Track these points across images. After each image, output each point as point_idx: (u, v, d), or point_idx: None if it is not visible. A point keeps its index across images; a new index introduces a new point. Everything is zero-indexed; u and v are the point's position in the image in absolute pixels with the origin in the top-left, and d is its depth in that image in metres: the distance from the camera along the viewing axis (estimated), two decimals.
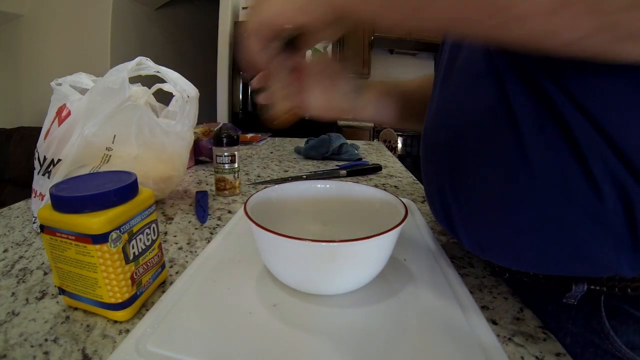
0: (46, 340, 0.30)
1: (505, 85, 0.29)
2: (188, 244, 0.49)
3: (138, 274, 0.34)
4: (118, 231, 0.31)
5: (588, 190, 0.26)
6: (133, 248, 0.33)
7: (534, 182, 0.28)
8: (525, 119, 0.28)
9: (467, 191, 0.35)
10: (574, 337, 0.34)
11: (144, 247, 0.34)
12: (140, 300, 0.34)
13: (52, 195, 0.30)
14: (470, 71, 0.34)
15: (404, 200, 0.49)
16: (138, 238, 0.33)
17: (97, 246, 0.30)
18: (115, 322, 0.32)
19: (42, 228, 0.31)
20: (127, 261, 0.32)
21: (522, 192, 0.29)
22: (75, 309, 0.34)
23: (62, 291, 0.34)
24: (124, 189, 0.32)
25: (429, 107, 0.43)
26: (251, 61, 0.35)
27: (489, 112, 0.31)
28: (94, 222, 0.29)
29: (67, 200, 0.30)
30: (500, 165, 0.31)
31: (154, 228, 0.36)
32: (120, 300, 0.32)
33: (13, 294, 0.36)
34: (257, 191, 0.41)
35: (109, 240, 0.30)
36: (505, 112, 0.29)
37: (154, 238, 0.36)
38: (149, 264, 0.35)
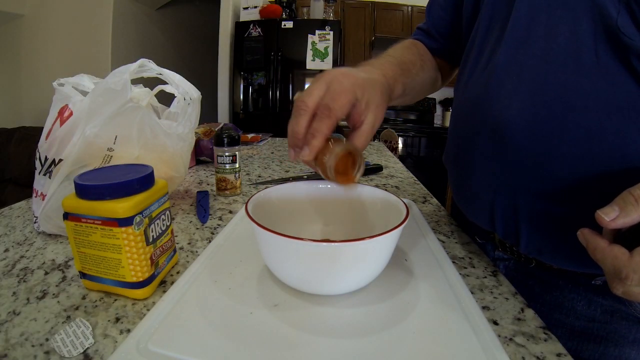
0: (47, 339, 0.30)
1: None
2: (189, 244, 0.49)
3: (156, 255, 0.37)
4: (141, 215, 0.34)
5: None
6: (152, 231, 0.36)
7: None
8: None
9: (556, 195, 0.36)
10: (603, 308, 0.40)
11: (160, 231, 0.38)
12: (157, 279, 0.38)
13: (78, 185, 0.33)
14: (585, 55, 0.32)
15: (405, 200, 0.49)
16: (156, 223, 0.37)
17: (123, 229, 0.33)
18: (117, 321, 0.32)
19: (66, 215, 0.34)
20: (148, 243, 0.36)
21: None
22: (77, 308, 0.34)
23: (82, 275, 0.37)
24: (144, 178, 0.36)
25: (486, 94, 0.40)
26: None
27: (617, 103, 0.31)
28: (120, 207, 0.33)
29: (94, 188, 0.33)
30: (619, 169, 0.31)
31: (168, 214, 0.40)
32: (141, 279, 0.35)
33: (14, 293, 0.37)
34: (258, 191, 0.41)
35: (134, 223, 0.33)
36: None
37: (167, 224, 0.40)
38: (164, 247, 0.39)
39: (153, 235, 0.37)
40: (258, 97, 2.68)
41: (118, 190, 0.33)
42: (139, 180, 0.35)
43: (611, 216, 0.25)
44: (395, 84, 0.46)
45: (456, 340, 0.29)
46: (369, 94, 0.38)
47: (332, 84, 0.36)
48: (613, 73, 0.31)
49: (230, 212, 0.61)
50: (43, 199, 0.48)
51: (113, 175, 0.36)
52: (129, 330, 0.31)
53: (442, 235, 0.53)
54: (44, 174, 0.48)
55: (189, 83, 0.59)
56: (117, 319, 0.33)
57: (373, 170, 0.92)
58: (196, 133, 0.95)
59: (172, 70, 0.58)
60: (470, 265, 0.44)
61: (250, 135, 1.45)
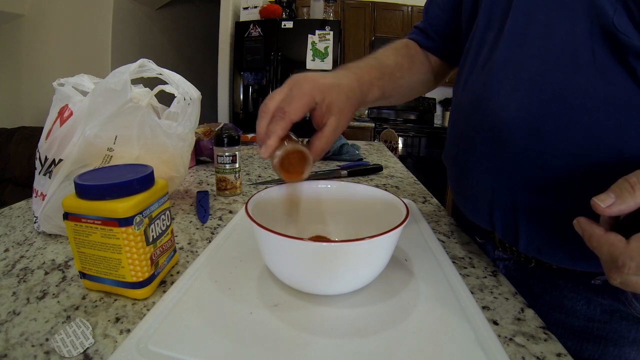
0: (47, 339, 0.30)
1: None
2: (189, 244, 0.49)
3: (156, 255, 0.37)
4: (141, 215, 0.34)
5: None
6: (152, 231, 0.36)
7: None
8: None
9: (555, 193, 0.36)
10: (603, 308, 0.40)
11: (160, 231, 0.38)
12: (157, 279, 0.38)
13: (78, 185, 0.33)
14: (581, 55, 0.33)
15: (405, 200, 0.49)
16: (156, 223, 0.37)
17: (123, 229, 0.33)
18: (116, 321, 0.32)
19: (66, 215, 0.34)
20: (148, 243, 0.36)
21: None
22: (77, 308, 0.34)
23: (82, 275, 0.37)
24: (144, 178, 0.36)
25: (482, 92, 0.41)
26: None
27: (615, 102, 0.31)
28: (120, 207, 0.33)
29: (94, 188, 0.33)
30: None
31: (168, 215, 0.40)
32: (141, 279, 0.35)
33: (14, 293, 0.37)
34: (258, 191, 0.41)
35: (134, 223, 0.33)
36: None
37: (167, 224, 0.40)
38: (164, 247, 0.39)
39: (153, 235, 0.37)
40: (258, 97, 2.68)
41: (118, 190, 0.33)
42: (139, 180, 0.35)
43: (607, 203, 0.24)
44: (370, 88, 0.48)
45: (456, 340, 0.29)
46: (330, 98, 0.39)
47: (293, 88, 0.39)
48: (610, 71, 0.31)
49: (230, 212, 0.61)
50: (43, 199, 0.48)
51: (113, 175, 0.36)
52: (129, 330, 0.31)
53: (442, 235, 0.53)
54: (44, 174, 0.48)
55: (189, 83, 0.59)
56: (117, 319, 0.33)
57: (373, 170, 0.92)
58: (196, 133, 0.95)
59: (172, 70, 0.58)
60: (470, 265, 0.44)
61: (250, 135, 1.45)
